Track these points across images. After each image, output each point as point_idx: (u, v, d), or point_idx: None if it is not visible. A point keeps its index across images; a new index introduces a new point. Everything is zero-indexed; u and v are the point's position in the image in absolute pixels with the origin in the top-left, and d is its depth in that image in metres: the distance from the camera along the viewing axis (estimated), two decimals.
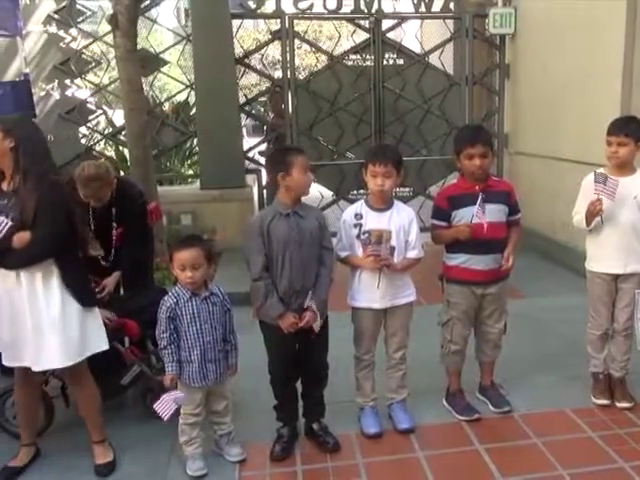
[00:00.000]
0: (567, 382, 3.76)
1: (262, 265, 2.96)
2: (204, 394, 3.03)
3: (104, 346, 2.97)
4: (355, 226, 3.18)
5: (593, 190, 3.23)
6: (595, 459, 3.03)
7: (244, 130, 7.96)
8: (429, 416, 3.45)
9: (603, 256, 3.39)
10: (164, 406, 2.84)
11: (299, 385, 3.25)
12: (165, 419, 2.85)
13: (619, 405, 3.46)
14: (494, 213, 3.26)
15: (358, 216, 3.19)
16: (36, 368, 2.86)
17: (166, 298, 2.95)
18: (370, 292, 3.19)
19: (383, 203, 3.22)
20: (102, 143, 7.96)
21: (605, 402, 3.49)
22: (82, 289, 2.91)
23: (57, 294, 2.81)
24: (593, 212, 3.25)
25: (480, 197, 3.18)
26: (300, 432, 3.29)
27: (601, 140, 3.44)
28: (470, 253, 3.28)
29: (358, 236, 3.16)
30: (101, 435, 3.13)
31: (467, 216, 3.24)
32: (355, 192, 7.29)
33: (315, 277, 3.06)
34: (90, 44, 7.26)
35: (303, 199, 3.13)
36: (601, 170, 3.37)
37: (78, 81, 7.18)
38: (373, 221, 3.16)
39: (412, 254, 3.22)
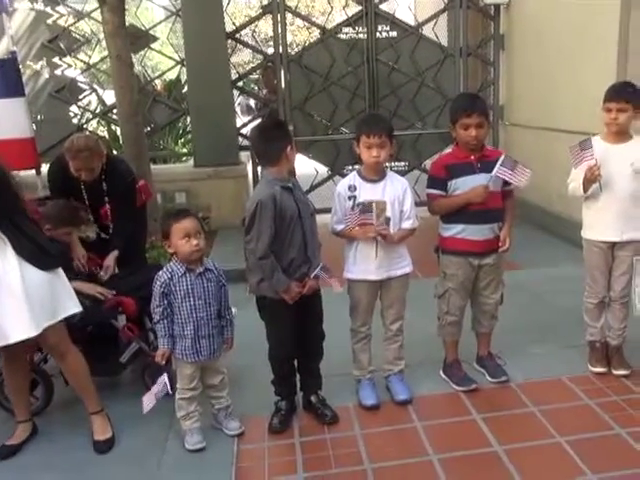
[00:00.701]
0: (564, 351, 3.76)
1: (269, 243, 2.91)
2: (198, 369, 3.02)
3: (76, 308, 2.93)
4: (349, 198, 3.15)
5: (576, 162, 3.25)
6: (592, 426, 3.05)
7: (238, 109, 7.88)
8: (426, 387, 3.46)
9: (599, 224, 3.37)
10: (148, 399, 2.88)
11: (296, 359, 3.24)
12: (144, 412, 2.88)
13: (616, 373, 3.47)
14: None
15: (352, 188, 3.16)
16: (9, 341, 2.74)
17: (161, 273, 2.93)
18: (366, 264, 3.17)
19: (376, 174, 3.18)
20: (94, 122, 7.88)
21: (602, 370, 3.50)
22: (34, 253, 2.78)
23: (14, 261, 2.73)
24: (591, 178, 3.22)
25: (504, 156, 3.19)
26: (298, 405, 3.30)
27: (596, 110, 3.40)
28: (466, 223, 3.25)
29: (353, 208, 3.13)
30: (97, 405, 3.12)
31: (463, 186, 3.21)
32: (350, 167, 7.22)
33: None
34: (78, 21, 7.16)
35: None
36: (597, 137, 3.34)
37: (68, 59, 7.09)
38: (367, 192, 3.13)
39: (407, 224, 3.20)
